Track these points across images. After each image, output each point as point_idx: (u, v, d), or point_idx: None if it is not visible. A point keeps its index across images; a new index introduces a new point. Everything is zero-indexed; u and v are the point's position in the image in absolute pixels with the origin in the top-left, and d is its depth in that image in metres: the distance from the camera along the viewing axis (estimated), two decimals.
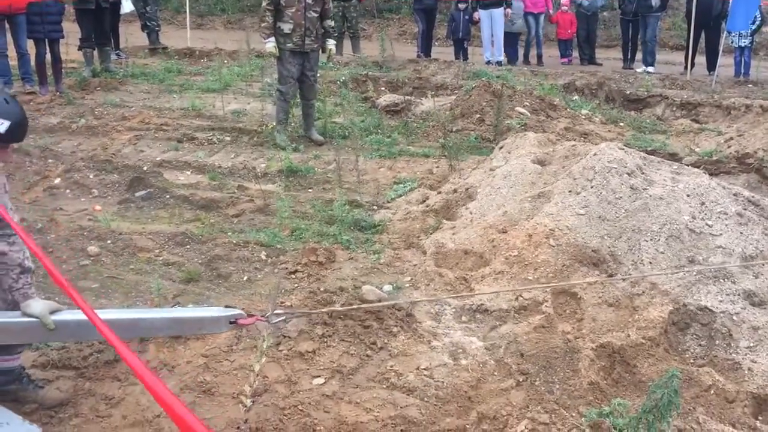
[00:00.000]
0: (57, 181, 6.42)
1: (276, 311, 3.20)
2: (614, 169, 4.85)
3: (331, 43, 7.83)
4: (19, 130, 2.84)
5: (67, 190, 6.29)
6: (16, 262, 3.02)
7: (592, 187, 4.77)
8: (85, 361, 3.70)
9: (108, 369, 3.62)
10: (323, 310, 3.80)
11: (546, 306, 4.13)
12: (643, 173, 4.93)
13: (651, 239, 4.48)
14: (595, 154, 5.03)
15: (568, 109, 8.94)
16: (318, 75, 8.16)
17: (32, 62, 9.31)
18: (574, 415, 3.34)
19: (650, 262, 4.38)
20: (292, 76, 7.53)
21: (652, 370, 3.74)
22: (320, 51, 7.82)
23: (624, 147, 5.36)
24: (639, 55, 13.04)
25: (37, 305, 2.99)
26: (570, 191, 4.81)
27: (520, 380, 3.67)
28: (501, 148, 6.13)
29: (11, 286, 3.02)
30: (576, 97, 10.07)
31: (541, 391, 3.56)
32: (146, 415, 3.34)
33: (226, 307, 3.38)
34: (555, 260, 4.39)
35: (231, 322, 3.06)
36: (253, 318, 3.10)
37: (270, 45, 7.43)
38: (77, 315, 3.09)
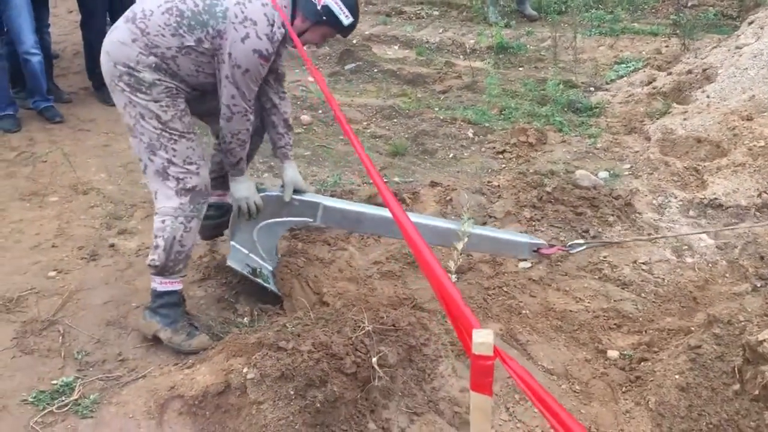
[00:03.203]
0: None
1: (576, 241, 3.26)
2: None
3: None
4: (352, 29, 2.91)
5: None
6: (283, 116, 3.09)
7: None
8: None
9: (319, 233, 3.71)
10: (615, 241, 3.49)
11: None
12: None
13: None
14: None
15: None
16: None
17: None
18: None
19: None
20: None
21: None
22: None
23: None
24: None
25: (290, 171, 3.09)
26: None
27: (758, 285, 3.23)
28: (751, 23, 5.26)
29: (275, 143, 3.13)
30: None
31: None
32: (359, 273, 3.41)
33: (531, 236, 3.37)
34: None
35: (534, 251, 3.14)
36: (555, 248, 3.15)
37: None
38: (345, 205, 3.24)
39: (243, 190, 2.99)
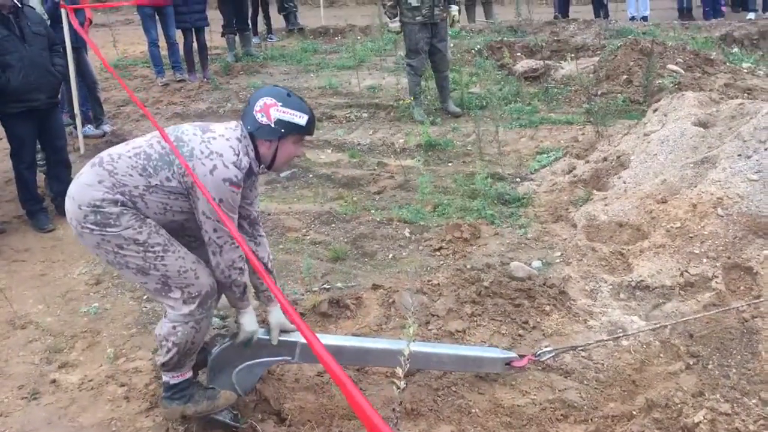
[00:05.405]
0: None
1: (545, 349, 3.47)
2: None
3: (454, 9, 7.60)
4: (313, 125, 2.99)
5: None
6: (261, 262, 3.13)
7: (766, 150, 4.30)
8: None
9: None
10: (584, 344, 3.59)
11: (717, 282, 3.78)
12: None
13: None
14: None
15: (727, 64, 8.18)
16: (450, 45, 7.96)
17: (180, 51, 9.78)
18: (756, 402, 3.03)
19: None
20: (421, 50, 7.40)
21: None
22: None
23: None
24: None
25: (275, 314, 3.14)
26: (740, 155, 4.36)
27: (691, 363, 3.39)
28: (656, 110, 5.69)
29: (257, 287, 3.19)
30: (735, 49, 9.20)
31: (715, 376, 3.27)
32: (315, 381, 3.45)
33: (503, 349, 3.54)
34: (725, 232, 4.01)
35: (506, 364, 3.35)
36: (526, 359, 3.37)
37: (394, 25, 7.50)
38: (341, 341, 3.33)
39: (253, 323, 3.06)
